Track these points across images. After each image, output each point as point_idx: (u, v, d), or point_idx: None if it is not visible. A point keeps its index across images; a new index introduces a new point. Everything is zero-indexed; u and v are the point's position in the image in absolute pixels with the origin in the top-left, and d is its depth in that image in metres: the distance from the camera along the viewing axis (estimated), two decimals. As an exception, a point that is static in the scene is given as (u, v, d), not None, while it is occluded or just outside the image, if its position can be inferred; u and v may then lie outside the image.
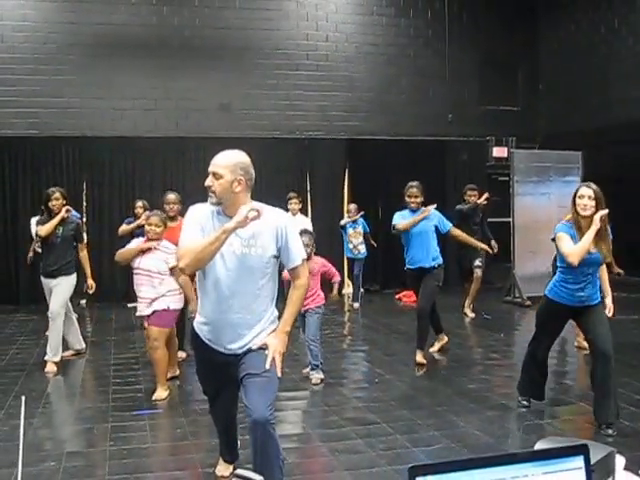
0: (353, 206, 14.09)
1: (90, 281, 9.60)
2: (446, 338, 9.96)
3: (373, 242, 14.15)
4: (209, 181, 4.52)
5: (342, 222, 14.19)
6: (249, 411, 4.44)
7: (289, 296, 4.76)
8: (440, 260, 9.28)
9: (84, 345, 9.96)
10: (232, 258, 4.52)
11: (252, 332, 4.61)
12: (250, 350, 4.59)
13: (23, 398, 3.31)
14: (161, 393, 7.73)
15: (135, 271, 7.88)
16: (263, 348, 4.58)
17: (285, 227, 4.59)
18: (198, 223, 4.57)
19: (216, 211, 4.59)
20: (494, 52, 16.79)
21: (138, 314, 8.24)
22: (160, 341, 7.70)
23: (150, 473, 5.69)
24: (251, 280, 4.55)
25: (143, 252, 7.79)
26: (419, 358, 9.15)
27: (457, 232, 9.57)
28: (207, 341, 4.73)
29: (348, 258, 14.31)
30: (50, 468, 5.76)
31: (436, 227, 9.23)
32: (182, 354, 9.17)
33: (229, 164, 4.51)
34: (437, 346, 9.90)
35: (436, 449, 6.08)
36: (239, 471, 2.08)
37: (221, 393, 5.07)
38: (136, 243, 8.11)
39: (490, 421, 6.85)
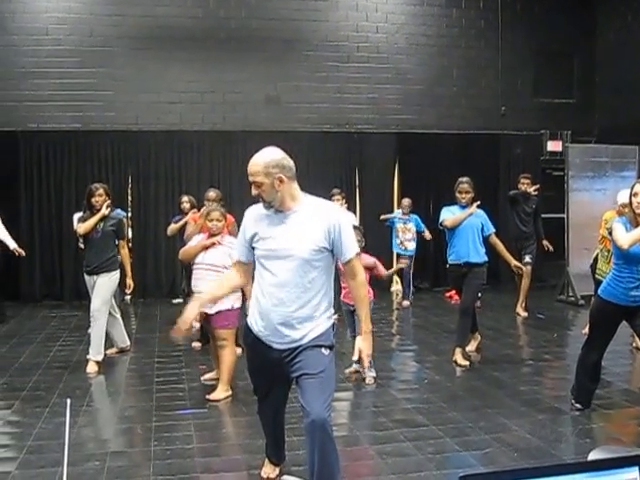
0: (407, 201, 14.06)
1: (129, 280, 9.67)
2: (480, 337, 9.96)
3: (429, 236, 13.98)
4: (254, 191, 4.69)
5: (382, 216, 14.21)
6: (306, 412, 4.50)
7: (354, 298, 4.96)
8: (485, 257, 9.26)
9: (129, 343, 10.02)
10: (282, 251, 4.63)
11: (306, 326, 4.67)
12: (305, 348, 4.65)
13: (68, 401, 3.35)
14: (219, 394, 7.70)
15: (196, 266, 7.92)
16: (319, 346, 4.66)
17: (338, 221, 4.66)
18: (242, 232, 4.90)
19: (266, 210, 4.73)
20: (548, 42, 16.60)
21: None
22: (229, 340, 7.71)
23: (194, 474, 5.71)
24: (301, 273, 4.63)
25: (206, 248, 7.86)
26: (459, 358, 9.14)
27: (496, 240, 9.44)
28: (261, 336, 4.79)
29: (397, 254, 14.28)
30: (94, 468, 5.81)
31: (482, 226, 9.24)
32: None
33: (261, 169, 4.63)
34: (473, 345, 9.86)
35: (487, 453, 6.05)
36: (286, 477, 2.11)
37: (272, 391, 5.10)
38: (197, 240, 8.13)
39: (542, 425, 6.80)
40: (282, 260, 4.63)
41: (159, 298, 14.53)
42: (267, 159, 4.64)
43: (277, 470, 5.48)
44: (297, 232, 4.62)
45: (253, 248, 4.81)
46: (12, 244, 11.28)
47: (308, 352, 4.64)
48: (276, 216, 4.71)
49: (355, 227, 8.39)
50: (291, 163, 4.70)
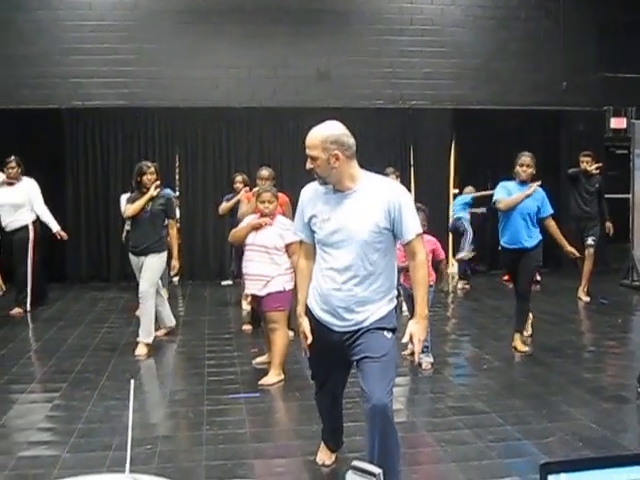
0: (471, 189, 14.22)
1: (174, 262, 9.69)
2: (531, 316, 9.73)
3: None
4: (308, 165, 4.65)
5: (469, 196, 14.17)
6: (367, 396, 4.49)
7: (412, 279, 4.80)
8: (539, 237, 9.08)
9: (174, 322, 10.10)
10: (341, 233, 4.60)
11: (367, 309, 4.64)
12: (367, 330, 4.62)
13: (132, 382, 3.37)
14: (271, 378, 7.72)
15: (247, 247, 7.93)
16: (382, 328, 4.63)
17: (399, 199, 4.59)
18: (300, 213, 4.90)
19: (323, 190, 4.69)
20: (613, 13, 16.21)
21: (247, 292, 8.29)
22: (280, 322, 7.70)
23: (248, 460, 5.73)
24: (362, 255, 4.58)
25: (256, 229, 7.89)
26: (519, 344, 9.06)
27: (552, 224, 9.25)
28: (321, 319, 4.79)
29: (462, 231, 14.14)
30: (145, 452, 5.83)
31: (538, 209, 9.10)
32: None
33: (318, 143, 4.57)
34: (528, 327, 9.70)
35: (550, 442, 6.01)
36: (356, 463, 2.10)
37: (331, 377, 5.09)
38: (248, 220, 8.16)
39: (607, 413, 6.75)
40: (342, 243, 4.59)
41: (208, 280, 14.62)
42: (326, 133, 4.59)
43: (333, 457, 5.52)
44: (357, 213, 4.57)
45: (312, 231, 4.79)
46: (55, 227, 11.44)
47: (370, 335, 4.61)
48: (334, 196, 4.66)
49: (420, 209, 8.34)
50: (351, 140, 4.63)
